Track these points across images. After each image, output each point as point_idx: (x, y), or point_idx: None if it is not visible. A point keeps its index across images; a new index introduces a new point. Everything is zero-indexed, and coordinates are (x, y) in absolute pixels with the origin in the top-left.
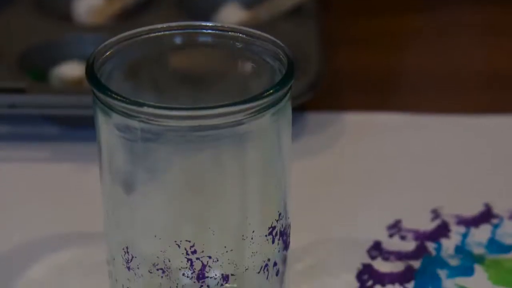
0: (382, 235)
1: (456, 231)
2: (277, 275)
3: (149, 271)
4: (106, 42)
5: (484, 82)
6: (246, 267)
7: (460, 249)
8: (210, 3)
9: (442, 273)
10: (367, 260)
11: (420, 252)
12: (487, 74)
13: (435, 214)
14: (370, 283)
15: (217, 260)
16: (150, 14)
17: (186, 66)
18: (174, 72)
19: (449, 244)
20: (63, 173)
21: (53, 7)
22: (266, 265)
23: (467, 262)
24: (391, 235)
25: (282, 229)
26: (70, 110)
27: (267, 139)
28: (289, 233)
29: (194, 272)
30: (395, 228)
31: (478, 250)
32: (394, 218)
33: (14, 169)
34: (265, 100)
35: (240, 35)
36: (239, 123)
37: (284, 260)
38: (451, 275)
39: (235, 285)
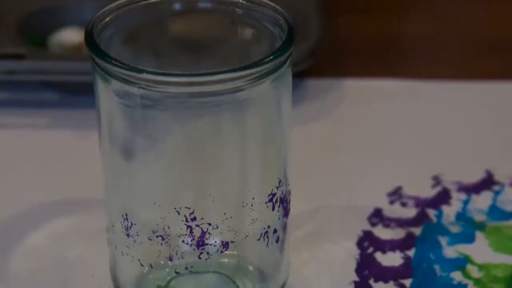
0: (382, 202)
1: (457, 198)
2: (277, 242)
3: (148, 238)
4: (105, 8)
5: (486, 48)
6: (246, 234)
7: (461, 216)
8: None
9: (443, 240)
10: (368, 227)
11: (421, 219)
12: (489, 40)
13: (436, 180)
14: (370, 250)
15: (217, 227)
16: None
17: (186, 32)
18: (174, 39)
19: (450, 211)
20: (62, 140)
21: None
22: (266, 232)
23: (468, 229)
24: (391, 202)
25: (282, 196)
26: (70, 76)
27: (267, 105)
28: (289, 200)
29: (193, 239)
30: (395, 195)
31: (479, 217)
32: (395, 185)
33: (13, 135)
34: (265, 66)
35: (240, 1)
36: (239, 89)
37: (284, 227)
38: (452, 242)
39: (235, 252)
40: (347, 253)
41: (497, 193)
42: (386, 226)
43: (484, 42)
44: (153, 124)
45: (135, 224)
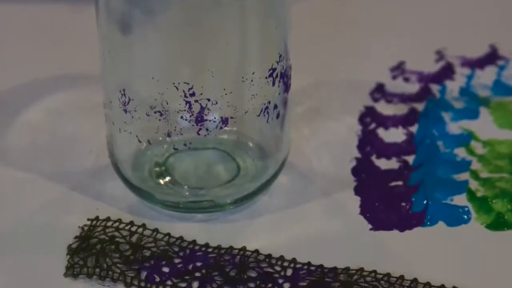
0: (385, 77)
1: (461, 72)
2: (277, 118)
3: (146, 113)
4: None
5: None
6: (246, 110)
7: (465, 91)
8: None
9: (446, 116)
10: (370, 102)
11: (424, 94)
12: None
13: (440, 55)
14: (372, 126)
15: (216, 103)
16: None
17: None
18: None
19: (453, 86)
20: (59, 14)
21: None
22: (266, 107)
23: (472, 104)
24: (394, 77)
25: (282, 71)
26: None
27: None
28: (290, 75)
29: (192, 115)
30: (398, 69)
31: (483, 93)
32: (398, 60)
33: (9, 9)
34: None
35: None
36: None
37: (285, 103)
38: (455, 118)
39: (234, 128)
40: (348, 129)
41: (501, 68)
42: (389, 101)
43: None
44: None
45: (132, 100)
